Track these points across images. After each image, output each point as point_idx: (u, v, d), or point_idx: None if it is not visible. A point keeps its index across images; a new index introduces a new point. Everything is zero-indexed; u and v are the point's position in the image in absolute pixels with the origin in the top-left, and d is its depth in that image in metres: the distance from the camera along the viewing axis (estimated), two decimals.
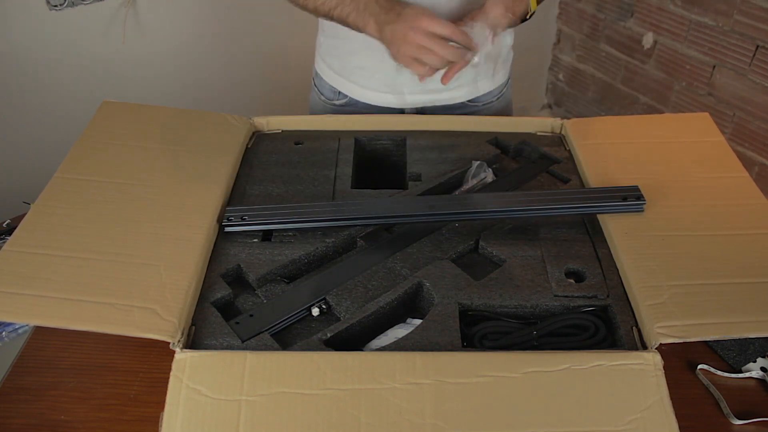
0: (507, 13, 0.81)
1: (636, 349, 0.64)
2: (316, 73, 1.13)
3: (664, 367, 0.61)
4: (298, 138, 0.97)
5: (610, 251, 0.76)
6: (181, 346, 0.62)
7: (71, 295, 0.65)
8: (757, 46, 1.67)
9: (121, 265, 0.69)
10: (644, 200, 0.77)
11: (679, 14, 1.86)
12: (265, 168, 0.90)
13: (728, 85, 1.79)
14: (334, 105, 1.11)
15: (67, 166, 0.83)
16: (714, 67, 1.81)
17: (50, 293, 0.65)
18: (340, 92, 1.09)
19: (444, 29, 0.77)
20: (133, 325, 0.63)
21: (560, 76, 2.42)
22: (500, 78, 1.10)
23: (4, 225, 0.95)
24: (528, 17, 0.85)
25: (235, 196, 0.86)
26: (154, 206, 0.78)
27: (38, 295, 0.65)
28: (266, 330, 0.68)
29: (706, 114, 0.96)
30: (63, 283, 0.66)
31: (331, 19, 0.89)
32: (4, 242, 0.90)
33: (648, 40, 1.99)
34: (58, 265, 0.68)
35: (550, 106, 2.54)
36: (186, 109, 0.97)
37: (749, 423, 0.66)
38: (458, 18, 0.89)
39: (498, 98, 1.12)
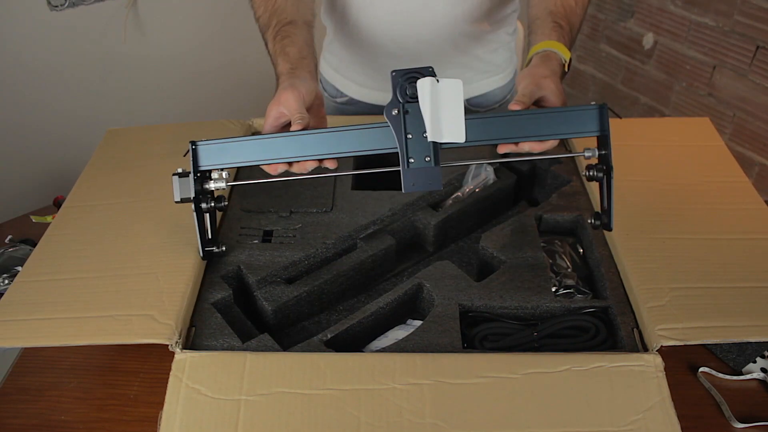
0: (539, 81, 0.70)
1: (637, 350, 0.64)
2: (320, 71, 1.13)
3: (664, 369, 0.61)
4: None
5: (610, 252, 0.76)
6: (179, 347, 0.62)
7: (74, 314, 0.66)
8: (758, 47, 1.67)
9: (122, 278, 0.71)
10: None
11: (679, 14, 1.86)
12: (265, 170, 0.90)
13: (728, 86, 1.79)
14: (336, 102, 1.11)
15: (74, 196, 0.85)
16: (714, 67, 1.81)
17: (55, 315, 0.66)
18: (340, 90, 1.09)
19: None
20: (131, 333, 0.63)
21: None
22: (501, 80, 1.09)
23: (6, 240, 0.96)
24: (567, 69, 0.77)
25: (234, 198, 0.86)
26: (154, 218, 0.79)
27: (44, 318, 0.66)
28: (232, 164, 0.68)
29: (707, 119, 0.96)
30: (68, 303, 0.68)
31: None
32: (4, 250, 0.90)
33: (648, 40, 1.99)
34: (63, 288, 0.70)
35: None
36: (186, 122, 0.99)
37: (751, 427, 0.66)
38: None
39: (501, 104, 1.11)
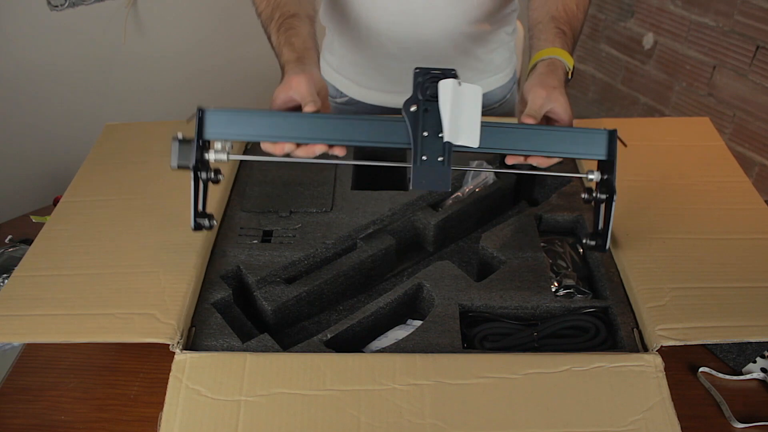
0: (550, 92, 0.69)
1: (637, 350, 0.64)
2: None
3: (664, 369, 0.61)
4: None
5: (611, 252, 0.76)
6: (180, 347, 0.62)
7: (75, 311, 0.66)
8: (758, 47, 1.67)
9: (123, 276, 0.70)
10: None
11: (679, 14, 1.86)
12: (264, 170, 0.90)
13: (728, 86, 1.79)
14: (336, 103, 1.11)
15: (73, 190, 0.85)
16: (714, 67, 1.81)
17: (55, 311, 0.66)
18: (340, 90, 1.09)
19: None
20: (133, 332, 0.63)
21: None
22: (501, 80, 1.09)
23: (6, 240, 0.97)
24: (570, 76, 0.76)
25: (234, 198, 0.86)
26: (154, 215, 0.79)
27: (44, 314, 0.66)
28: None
29: (707, 118, 0.96)
30: (68, 300, 0.67)
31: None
32: (4, 250, 0.90)
33: (648, 40, 1.99)
34: (63, 284, 0.69)
35: None
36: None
37: (751, 427, 0.66)
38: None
39: (501, 104, 1.11)
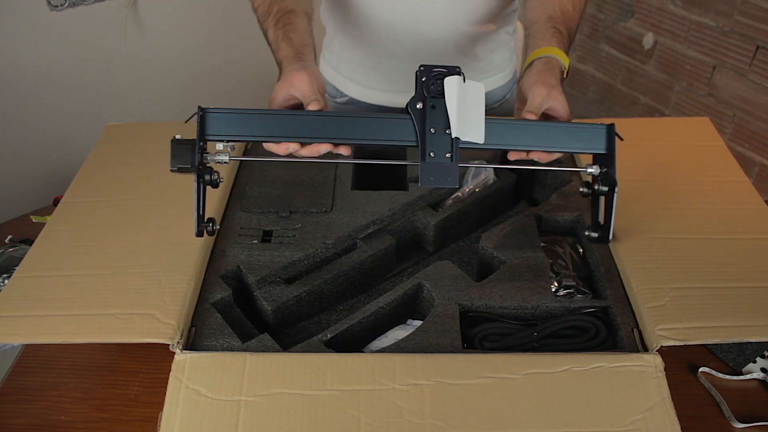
0: (549, 91, 0.70)
1: (637, 351, 0.64)
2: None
3: (664, 369, 0.61)
4: None
5: (611, 252, 0.76)
6: (180, 347, 0.62)
7: (75, 311, 0.66)
8: (758, 47, 1.67)
9: (123, 276, 0.70)
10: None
11: (679, 14, 1.86)
12: (264, 170, 0.90)
13: (728, 86, 1.79)
14: (336, 103, 1.11)
15: (73, 191, 0.85)
16: (714, 67, 1.81)
17: (55, 312, 0.66)
18: (340, 90, 1.09)
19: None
20: (133, 332, 0.63)
21: None
22: (501, 79, 1.09)
23: (6, 240, 0.97)
24: (566, 76, 0.76)
25: (234, 198, 0.86)
26: (154, 216, 0.79)
27: (44, 314, 0.66)
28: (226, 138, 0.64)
29: (707, 118, 0.96)
30: (68, 300, 0.67)
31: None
32: (4, 250, 0.90)
33: (648, 40, 1.99)
34: (64, 285, 0.70)
35: None
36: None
37: (751, 427, 0.66)
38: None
39: (501, 103, 1.11)
